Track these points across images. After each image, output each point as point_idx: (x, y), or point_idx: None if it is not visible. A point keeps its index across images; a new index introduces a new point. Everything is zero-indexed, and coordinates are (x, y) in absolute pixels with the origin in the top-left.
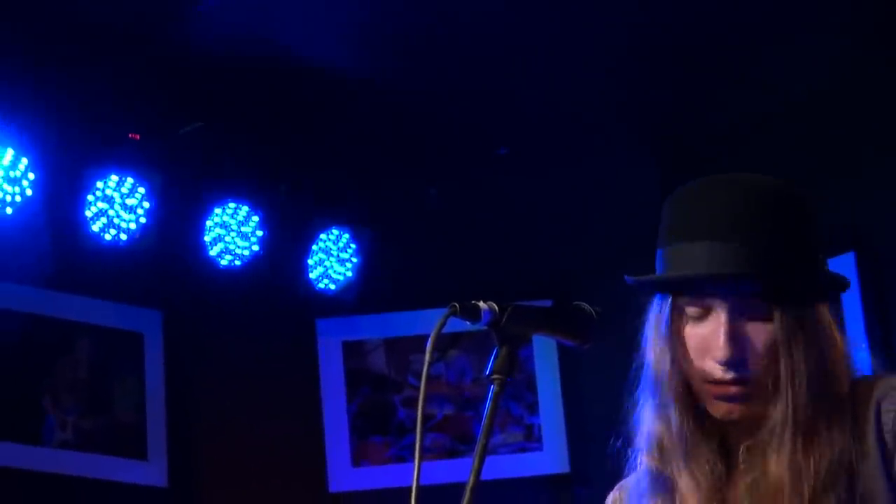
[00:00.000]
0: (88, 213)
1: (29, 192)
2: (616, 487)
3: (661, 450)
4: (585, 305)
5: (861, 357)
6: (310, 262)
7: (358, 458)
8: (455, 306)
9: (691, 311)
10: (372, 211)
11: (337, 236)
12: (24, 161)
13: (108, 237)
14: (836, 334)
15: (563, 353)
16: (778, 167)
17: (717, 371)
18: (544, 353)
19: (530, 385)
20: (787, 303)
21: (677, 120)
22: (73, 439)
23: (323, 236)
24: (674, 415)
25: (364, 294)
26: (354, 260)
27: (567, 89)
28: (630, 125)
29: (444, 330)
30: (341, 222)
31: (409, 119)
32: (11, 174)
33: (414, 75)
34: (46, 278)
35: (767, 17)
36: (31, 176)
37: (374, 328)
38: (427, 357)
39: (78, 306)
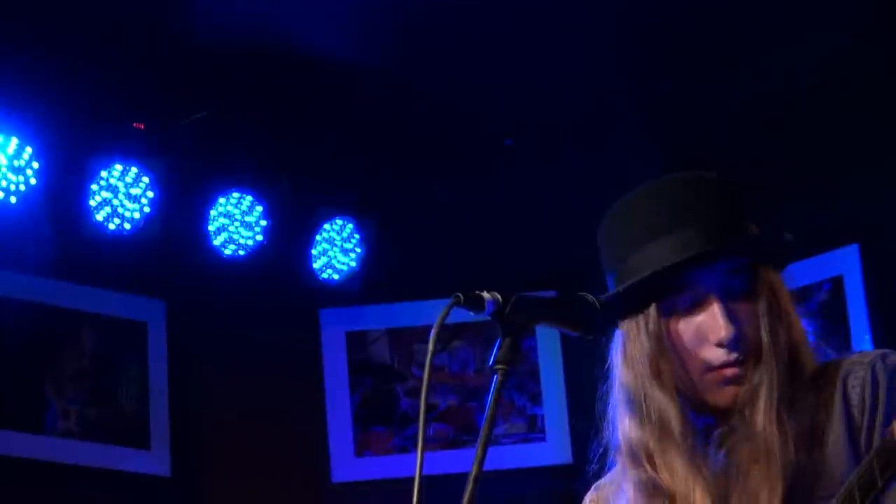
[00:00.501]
0: (92, 203)
1: (33, 182)
2: (593, 488)
3: (648, 456)
4: (589, 296)
5: (865, 349)
6: (313, 252)
7: (361, 448)
8: (459, 296)
9: (683, 303)
10: (376, 201)
11: (341, 226)
12: (29, 150)
13: (111, 226)
14: (799, 323)
15: (567, 343)
16: (782, 160)
17: (720, 355)
18: (548, 343)
19: (533, 375)
20: (765, 278)
21: (683, 112)
22: (76, 428)
23: (327, 226)
24: (673, 415)
25: (368, 284)
26: (358, 250)
27: (573, 81)
28: (636, 117)
29: (448, 320)
30: (345, 212)
31: (415, 109)
32: (16, 163)
33: (420, 65)
34: (50, 267)
35: (774, 9)
36: (36, 165)
37: (377, 318)
38: (430, 347)
39: (82, 295)
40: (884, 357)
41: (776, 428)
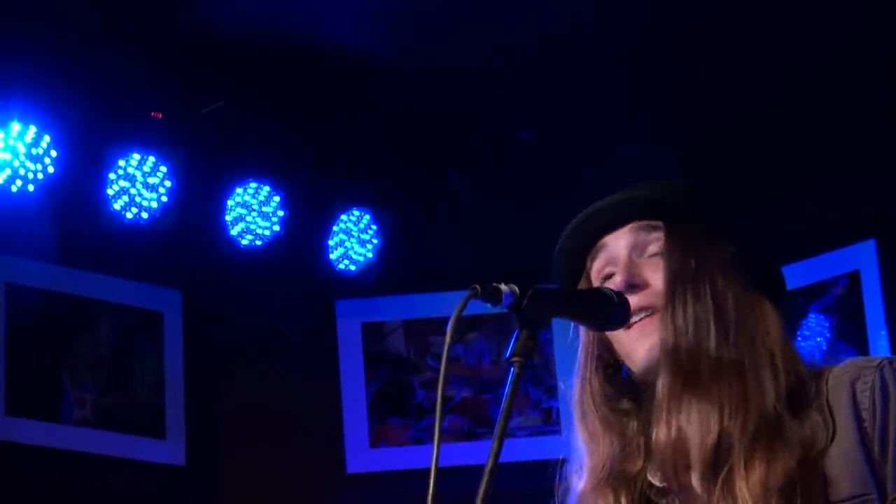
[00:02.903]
0: (110, 192)
1: (51, 170)
2: None
3: (578, 468)
4: (607, 289)
5: (881, 345)
6: (330, 242)
7: (376, 440)
8: (476, 288)
9: (600, 267)
10: (393, 192)
11: (358, 217)
12: (47, 138)
13: (129, 216)
14: (770, 317)
15: None
16: (799, 154)
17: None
18: (563, 336)
19: (549, 368)
20: (680, 236)
21: (702, 106)
22: (92, 417)
23: (344, 217)
24: (585, 398)
25: (384, 275)
26: (375, 241)
27: (591, 74)
28: (654, 110)
29: (464, 312)
30: (363, 203)
31: (432, 101)
32: (34, 151)
33: (437, 57)
34: (67, 256)
35: (790, 8)
36: (54, 153)
37: (393, 310)
38: (448, 339)
39: (98, 284)
40: (891, 362)
41: (672, 396)
